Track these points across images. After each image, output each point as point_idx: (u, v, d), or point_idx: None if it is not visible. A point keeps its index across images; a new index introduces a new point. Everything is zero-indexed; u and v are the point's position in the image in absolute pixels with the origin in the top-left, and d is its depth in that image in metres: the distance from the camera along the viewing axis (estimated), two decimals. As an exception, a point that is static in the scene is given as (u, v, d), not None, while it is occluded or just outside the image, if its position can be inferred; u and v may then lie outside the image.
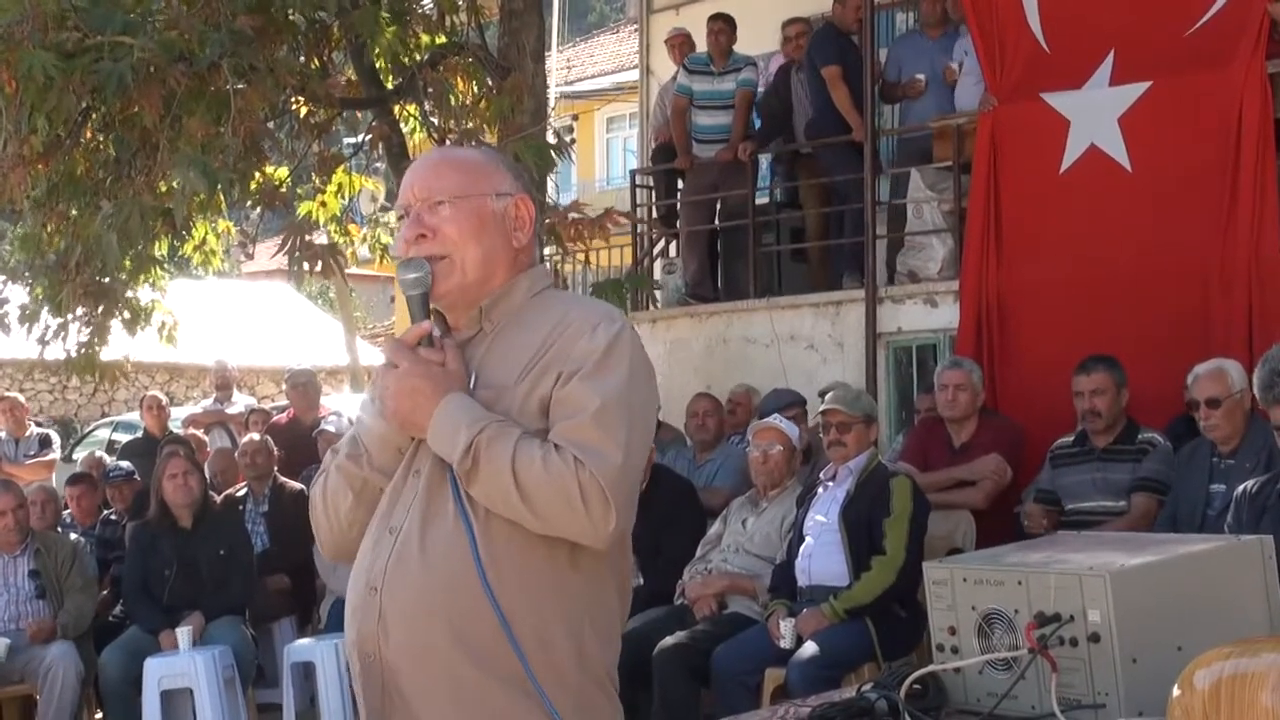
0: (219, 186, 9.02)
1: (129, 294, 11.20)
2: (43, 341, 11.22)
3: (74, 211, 10.31)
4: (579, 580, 2.99)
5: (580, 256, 13.40)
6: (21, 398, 14.91)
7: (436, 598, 2.94)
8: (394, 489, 3.09)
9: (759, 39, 13.34)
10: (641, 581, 8.45)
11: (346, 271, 11.11)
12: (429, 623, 2.94)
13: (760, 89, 12.70)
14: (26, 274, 10.94)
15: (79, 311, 10.96)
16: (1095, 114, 9.20)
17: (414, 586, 2.96)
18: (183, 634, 8.78)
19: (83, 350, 11.29)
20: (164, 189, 9.59)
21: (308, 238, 9.96)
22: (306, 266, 9.73)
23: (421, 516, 3.00)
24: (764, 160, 12.78)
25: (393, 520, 3.05)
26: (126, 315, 11.32)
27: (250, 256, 10.88)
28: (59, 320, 11.01)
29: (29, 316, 10.93)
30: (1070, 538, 4.30)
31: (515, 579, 2.92)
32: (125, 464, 11.50)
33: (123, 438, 17.38)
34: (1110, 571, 3.34)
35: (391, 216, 12.95)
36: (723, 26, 12.51)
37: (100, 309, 11.04)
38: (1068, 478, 7.84)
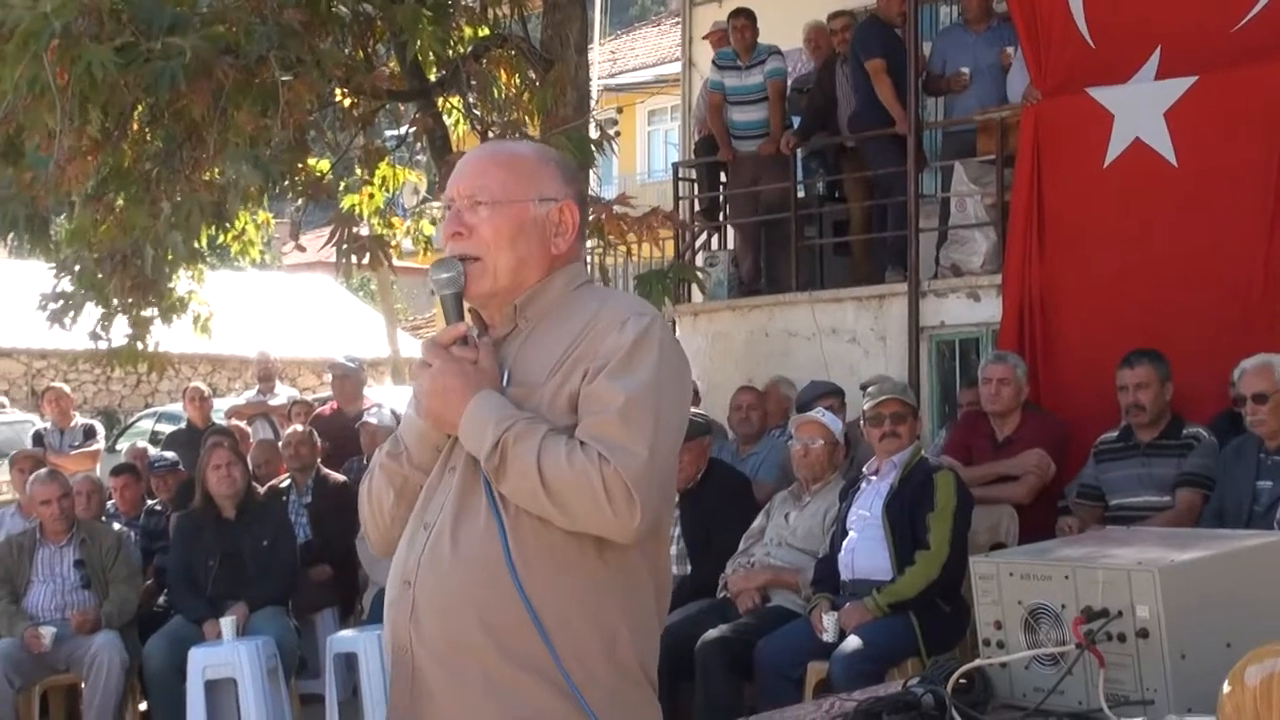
0: (270, 178, 9.05)
1: (160, 283, 11.23)
2: (95, 336, 11.29)
3: (120, 203, 10.36)
4: (609, 576, 2.99)
5: (621, 248, 13.42)
6: (67, 388, 14.99)
7: (467, 591, 2.95)
8: (430, 485, 3.12)
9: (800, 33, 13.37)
10: (690, 570, 8.46)
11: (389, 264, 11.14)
12: (460, 616, 2.95)
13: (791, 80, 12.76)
14: (75, 266, 10.99)
15: (121, 303, 11.00)
16: (1140, 108, 9.14)
17: (445, 580, 2.98)
18: (226, 624, 8.83)
19: (129, 342, 11.35)
20: (209, 179, 9.63)
21: (354, 230, 10.00)
22: (354, 259, 9.77)
23: (454, 512, 3.03)
24: (800, 153, 12.74)
25: (427, 516, 3.08)
26: (163, 305, 11.36)
27: (302, 249, 10.95)
28: (104, 311, 11.07)
29: (72, 305, 10.98)
30: (1118, 532, 4.28)
31: (545, 574, 2.93)
32: (170, 454, 11.55)
33: (166, 428, 17.46)
34: (1159, 567, 3.32)
35: (435, 208, 12.99)
36: (745, 23, 12.55)
37: (141, 300, 11.08)
38: (1112, 473, 7.80)
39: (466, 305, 3.15)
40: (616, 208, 9.81)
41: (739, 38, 12.55)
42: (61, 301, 11.01)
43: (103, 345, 11.44)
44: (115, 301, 10.99)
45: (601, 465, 2.84)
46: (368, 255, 9.87)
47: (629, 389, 2.92)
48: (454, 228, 3.10)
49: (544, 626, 2.90)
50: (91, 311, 11.12)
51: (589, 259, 11.16)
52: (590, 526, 2.90)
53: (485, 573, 2.93)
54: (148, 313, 11.29)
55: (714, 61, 12.85)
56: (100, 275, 10.74)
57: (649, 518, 2.89)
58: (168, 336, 11.80)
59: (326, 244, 9.99)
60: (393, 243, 11.94)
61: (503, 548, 2.91)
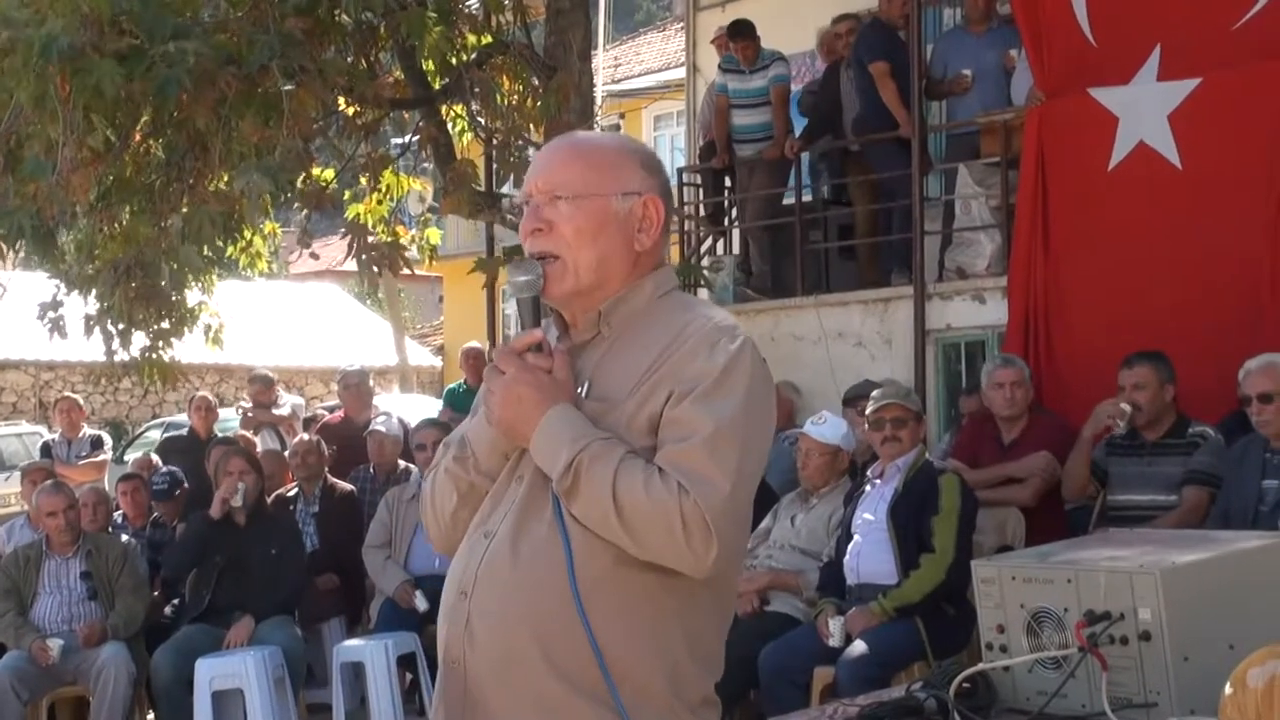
0: (280, 185, 9.02)
1: (175, 296, 11.24)
2: (111, 352, 11.29)
3: (126, 215, 10.36)
4: (674, 605, 2.86)
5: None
6: (80, 399, 15.01)
7: (523, 605, 2.84)
8: (495, 493, 3.00)
9: (808, 37, 13.37)
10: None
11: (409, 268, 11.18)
12: (515, 631, 2.84)
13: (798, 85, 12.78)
14: (77, 276, 11.00)
15: (139, 317, 11.02)
16: (1144, 110, 9.12)
17: (503, 593, 2.86)
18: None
19: (148, 355, 11.37)
20: (214, 189, 9.63)
21: (370, 239, 10.02)
22: (374, 267, 9.79)
23: (517, 524, 2.91)
24: (805, 157, 12.73)
25: (489, 525, 2.96)
26: (175, 318, 11.37)
27: (315, 256, 10.96)
28: (121, 326, 11.08)
29: (95, 324, 11.01)
30: (1120, 534, 4.27)
31: (608, 597, 2.81)
32: (165, 475, 11.39)
33: (174, 439, 17.43)
34: (1161, 569, 3.32)
35: (438, 217, 13.00)
36: (746, 43, 12.61)
37: (156, 313, 11.10)
38: (1119, 467, 7.77)
39: (549, 306, 3.01)
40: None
41: (741, 56, 12.60)
42: (58, 310, 11.04)
43: (121, 358, 11.45)
44: (140, 315, 11.01)
45: (681, 497, 2.72)
46: (387, 262, 9.91)
47: (718, 418, 2.78)
48: (533, 224, 2.96)
49: (601, 651, 2.78)
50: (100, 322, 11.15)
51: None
52: (663, 558, 2.78)
53: (545, 589, 2.82)
54: (163, 325, 11.30)
55: (720, 65, 12.87)
56: (108, 289, 10.74)
57: (724, 553, 2.77)
58: (176, 347, 11.81)
59: (347, 256, 10.01)
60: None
61: (567, 566, 2.80)
